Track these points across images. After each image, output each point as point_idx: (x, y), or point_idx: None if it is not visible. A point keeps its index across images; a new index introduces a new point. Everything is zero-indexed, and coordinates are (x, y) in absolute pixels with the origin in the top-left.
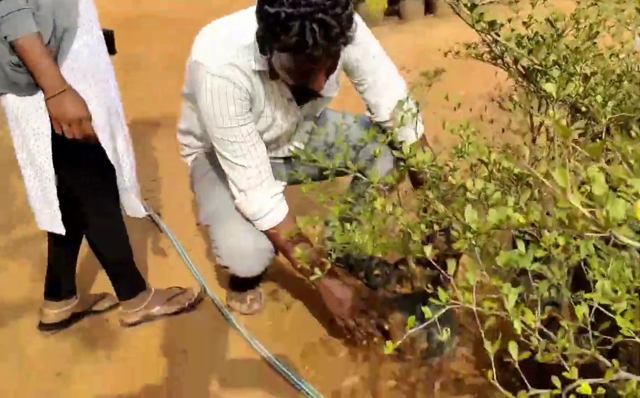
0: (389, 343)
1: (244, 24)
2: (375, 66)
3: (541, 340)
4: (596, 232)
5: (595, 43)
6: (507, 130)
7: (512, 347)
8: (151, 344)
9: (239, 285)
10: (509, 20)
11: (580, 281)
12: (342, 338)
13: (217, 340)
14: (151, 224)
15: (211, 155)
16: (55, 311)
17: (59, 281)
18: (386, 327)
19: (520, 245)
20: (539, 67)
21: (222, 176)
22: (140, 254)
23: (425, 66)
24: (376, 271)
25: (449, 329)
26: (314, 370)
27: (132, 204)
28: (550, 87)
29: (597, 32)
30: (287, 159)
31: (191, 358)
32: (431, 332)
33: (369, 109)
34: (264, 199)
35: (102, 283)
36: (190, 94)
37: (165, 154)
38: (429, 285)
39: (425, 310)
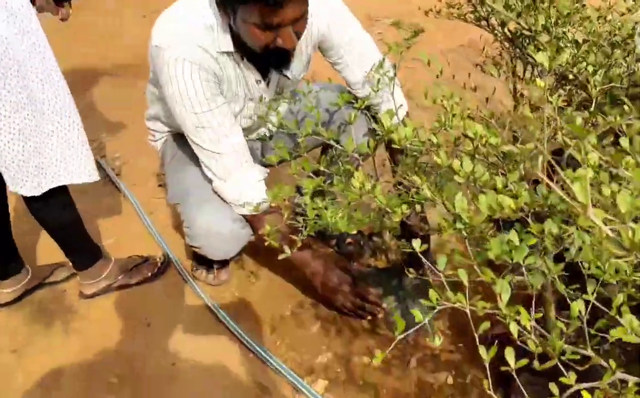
0: (378, 353)
1: (205, 4)
2: (353, 42)
3: (537, 343)
4: (620, 257)
5: (584, 5)
6: (490, 98)
7: (509, 353)
8: (112, 316)
9: (206, 261)
10: None
11: (572, 270)
12: (313, 310)
13: (182, 312)
14: (108, 185)
15: (181, 136)
16: (7, 291)
17: None
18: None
19: (513, 235)
20: (528, 33)
21: (195, 154)
22: (96, 218)
23: (396, 15)
24: (348, 240)
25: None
26: (284, 345)
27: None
28: (542, 58)
29: None
30: (261, 140)
31: (155, 331)
32: (407, 306)
33: (349, 87)
34: (244, 185)
35: (59, 252)
36: (155, 79)
37: (122, 105)
38: (410, 270)
39: (416, 313)
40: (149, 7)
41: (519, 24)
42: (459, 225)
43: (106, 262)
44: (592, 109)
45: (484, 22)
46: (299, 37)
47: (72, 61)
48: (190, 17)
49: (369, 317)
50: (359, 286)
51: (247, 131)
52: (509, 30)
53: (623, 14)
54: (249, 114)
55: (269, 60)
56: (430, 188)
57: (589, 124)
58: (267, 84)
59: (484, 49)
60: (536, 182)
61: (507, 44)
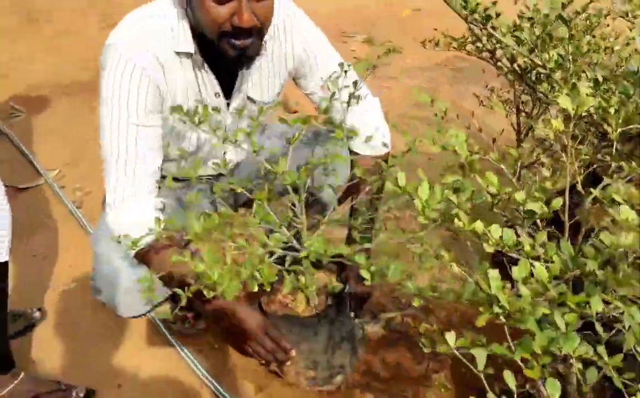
0: None
1: (168, 2)
2: (331, 69)
3: None
4: None
5: (594, 36)
6: (486, 129)
7: None
8: (73, 375)
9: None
10: (494, 3)
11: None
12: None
13: (156, 369)
14: (69, 219)
15: None
16: None
17: None
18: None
19: (559, 319)
20: (543, 70)
21: None
22: (55, 257)
23: (363, 26)
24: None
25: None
26: None
27: None
28: (565, 102)
29: (598, 23)
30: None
31: (126, 393)
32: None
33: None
34: (133, 216)
35: None
36: None
37: (83, 129)
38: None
39: None
40: (112, 19)
41: (531, 60)
42: (496, 309)
43: (11, 377)
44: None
45: (486, 54)
46: (262, 23)
47: (27, 78)
48: (151, 16)
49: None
50: (270, 328)
51: (191, 158)
52: (518, 66)
53: (628, 44)
54: (197, 140)
55: (227, 55)
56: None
57: (612, 172)
58: (228, 105)
59: (487, 85)
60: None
61: (513, 79)
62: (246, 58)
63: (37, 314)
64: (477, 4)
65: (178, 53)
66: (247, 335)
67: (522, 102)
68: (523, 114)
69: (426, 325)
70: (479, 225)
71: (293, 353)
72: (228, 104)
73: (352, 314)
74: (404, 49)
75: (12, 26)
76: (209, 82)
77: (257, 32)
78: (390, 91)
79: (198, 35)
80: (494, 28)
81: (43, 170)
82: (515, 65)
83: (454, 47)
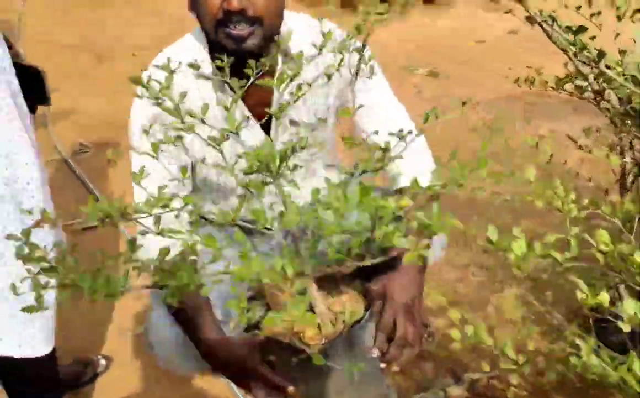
0: None
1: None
2: (388, 115)
3: None
4: None
5: None
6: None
7: None
8: None
9: None
10: (593, 38)
11: None
12: None
13: None
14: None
15: None
16: None
17: None
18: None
19: None
20: None
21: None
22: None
23: (428, 59)
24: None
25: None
26: None
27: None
28: None
29: None
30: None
31: None
32: None
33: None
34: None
35: None
36: None
37: None
38: None
39: None
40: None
41: None
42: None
43: None
44: None
45: (589, 94)
46: (257, 11)
47: (95, 115)
48: (177, 46)
49: None
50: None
51: (219, 195)
52: (631, 107)
53: None
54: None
55: (226, 47)
56: None
57: None
58: (268, 130)
59: (590, 128)
60: None
61: (627, 122)
62: (245, 50)
63: (103, 362)
64: (583, 43)
65: (197, 76)
66: (236, 370)
67: (632, 146)
68: (628, 159)
69: (515, 389)
70: (605, 298)
71: (291, 389)
72: (267, 128)
73: (377, 352)
74: (470, 81)
75: (82, 65)
76: (235, 106)
77: (258, 22)
78: (455, 124)
79: (211, 50)
80: (607, 67)
81: None
82: (629, 107)
83: (551, 88)
